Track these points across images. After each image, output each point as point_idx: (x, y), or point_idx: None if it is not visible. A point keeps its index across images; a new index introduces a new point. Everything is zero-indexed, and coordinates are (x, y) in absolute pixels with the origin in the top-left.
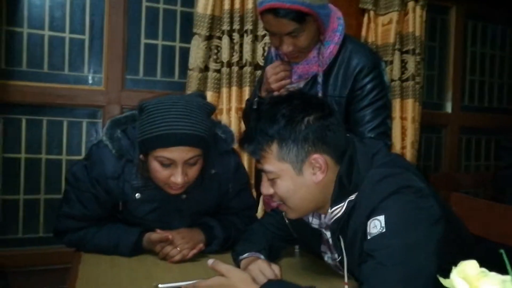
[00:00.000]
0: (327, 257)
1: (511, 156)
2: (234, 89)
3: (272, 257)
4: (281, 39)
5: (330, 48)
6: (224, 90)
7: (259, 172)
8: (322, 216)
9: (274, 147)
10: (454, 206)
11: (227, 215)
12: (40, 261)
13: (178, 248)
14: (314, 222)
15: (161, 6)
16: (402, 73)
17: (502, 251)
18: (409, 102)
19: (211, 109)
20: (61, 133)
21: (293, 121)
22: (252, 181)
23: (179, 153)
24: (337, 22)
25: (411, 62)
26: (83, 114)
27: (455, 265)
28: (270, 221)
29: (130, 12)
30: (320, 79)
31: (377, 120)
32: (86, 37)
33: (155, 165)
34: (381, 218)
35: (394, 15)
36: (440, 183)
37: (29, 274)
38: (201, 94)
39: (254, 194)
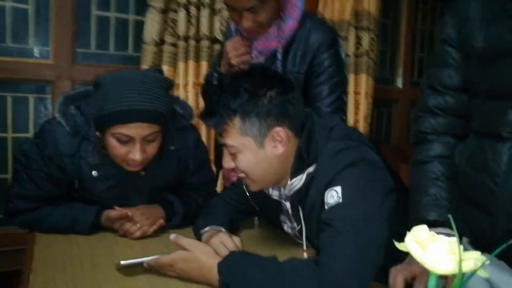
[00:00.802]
0: (286, 227)
1: None
2: (191, 63)
3: (232, 230)
4: (241, 14)
5: (290, 24)
6: (181, 65)
7: (218, 147)
8: (282, 188)
9: (237, 121)
10: (404, 177)
11: (187, 191)
12: None
13: (138, 225)
14: (274, 193)
15: None
16: (357, 48)
17: (449, 216)
18: (363, 77)
19: (169, 84)
20: (5, 109)
21: (256, 95)
22: (212, 157)
23: (137, 130)
24: None
25: (366, 39)
26: (29, 89)
27: (405, 231)
28: (229, 195)
29: None
30: (279, 55)
31: (333, 95)
32: (30, 6)
33: (112, 142)
34: (338, 188)
35: None
36: (390, 156)
37: None
38: (158, 69)
39: (214, 169)
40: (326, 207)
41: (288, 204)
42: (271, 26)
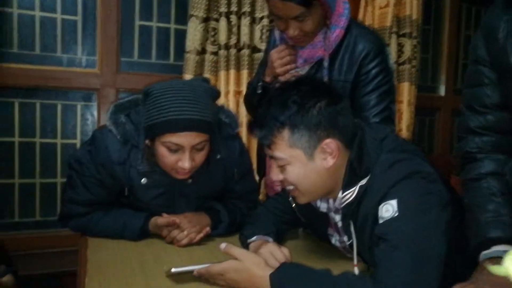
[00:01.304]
0: (334, 240)
1: None
2: (232, 72)
3: (278, 240)
4: (287, 23)
5: (336, 32)
6: (222, 73)
7: (260, 156)
8: (330, 200)
9: (286, 133)
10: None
11: (231, 199)
12: (37, 245)
13: (185, 232)
14: (322, 206)
15: None
16: (399, 56)
17: None
18: (405, 86)
19: (216, 94)
20: (55, 117)
21: (304, 106)
22: (254, 165)
23: (187, 139)
24: (343, 6)
25: (408, 46)
26: (77, 97)
27: (463, 247)
28: (275, 205)
29: None
30: (326, 64)
31: (381, 105)
32: (78, 18)
33: (162, 151)
34: (394, 202)
35: None
36: (434, 165)
37: (26, 257)
38: (205, 79)
39: (256, 178)
40: (380, 221)
41: (337, 217)
42: (317, 35)
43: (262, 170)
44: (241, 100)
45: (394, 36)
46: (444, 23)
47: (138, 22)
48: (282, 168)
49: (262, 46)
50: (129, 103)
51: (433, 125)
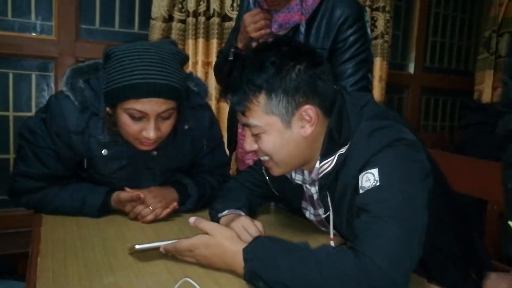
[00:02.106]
0: (308, 214)
1: (472, 116)
2: (200, 41)
3: (251, 215)
4: None
5: None
6: (190, 42)
7: (231, 129)
8: (305, 171)
9: (262, 98)
10: None
11: (200, 173)
12: None
13: (150, 207)
14: (297, 178)
15: None
16: (371, 30)
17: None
18: (377, 61)
19: (185, 58)
20: (7, 87)
21: (283, 69)
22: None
23: (152, 106)
24: None
25: (381, 20)
26: (32, 66)
27: (442, 218)
28: (247, 178)
29: None
30: (302, 29)
31: (359, 74)
32: None
33: (124, 118)
34: (375, 171)
35: None
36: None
37: None
38: (173, 42)
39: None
40: (361, 191)
41: (313, 189)
42: None
43: (233, 143)
44: (210, 71)
45: (367, 10)
46: (416, 0)
47: None
48: (256, 137)
49: (233, 15)
50: (88, 67)
51: (402, 103)
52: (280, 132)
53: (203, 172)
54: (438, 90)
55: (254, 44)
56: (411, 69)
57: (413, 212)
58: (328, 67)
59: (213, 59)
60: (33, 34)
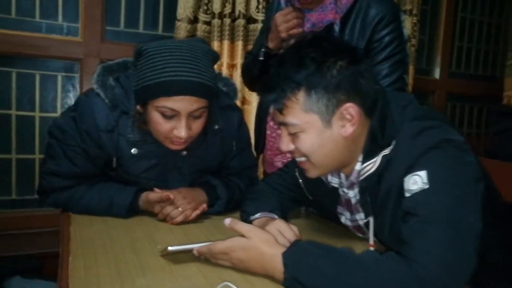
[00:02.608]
0: (344, 219)
1: (504, 122)
2: (225, 43)
3: (283, 218)
4: None
5: None
6: (215, 44)
7: (259, 130)
8: (342, 174)
9: (301, 95)
10: None
11: (228, 175)
12: (14, 225)
13: (180, 209)
14: (334, 181)
15: None
16: None
17: None
18: None
19: (216, 56)
20: (33, 87)
21: (324, 65)
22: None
23: (184, 104)
24: None
25: (408, 23)
26: (57, 67)
27: (488, 225)
28: (277, 181)
29: None
30: (337, 28)
31: (394, 75)
32: None
33: (155, 117)
34: (423, 173)
35: None
36: None
37: (2, 238)
38: (204, 40)
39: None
40: (407, 194)
41: (351, 193)
42: None
43: (261, 145)
44: (235, 73)
45: None
46: (442, 3)
47: None
48: (293, 137)
49: (259, 17)
50: (118, 65)
51: None
52: (319, 131)
53: (231, 174)
54: (464, 96)
55: (285, 45)
56: (437, 74)
57: (466, 216)
58: (370, 65)
59: (238, 61)
60: (60, 35)
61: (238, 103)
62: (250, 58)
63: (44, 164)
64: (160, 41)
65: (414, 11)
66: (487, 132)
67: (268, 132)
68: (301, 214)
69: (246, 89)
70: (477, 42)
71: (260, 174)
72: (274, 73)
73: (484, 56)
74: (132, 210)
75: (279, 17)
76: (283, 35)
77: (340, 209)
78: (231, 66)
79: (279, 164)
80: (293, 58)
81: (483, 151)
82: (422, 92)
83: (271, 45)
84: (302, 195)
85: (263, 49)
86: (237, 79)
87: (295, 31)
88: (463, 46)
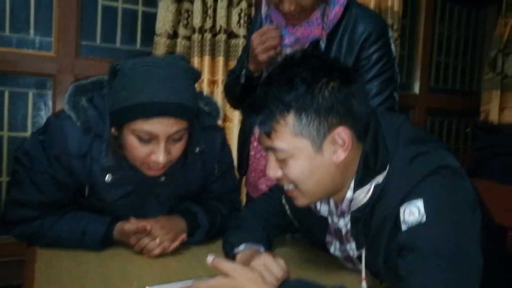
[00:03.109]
0: (333, 249)
1: (486, 137)
2: (206, 58)
3: (268, 249)
4: None
5: (335, 10)
6: (196, 60)
7: (242, 151)
8: (331, 201)
9: (291, 118)
10: None
11: (209, 200)
12: None
13: (157, 240)
14: (323, 209)
15: None
16: None
17: None
18: None
19: (197, 75)
20: (2, 105)
21: (315, 86)
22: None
23: (162, 126)
24: None
25: None
26: (29, 83)
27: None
28: (262, 207)
29: None
30: (323, 44)
31: (385, 93)
32: None
33: (131, 141)
34: (419, 203)
35: None
36: None
37: None
38: (184, 57)
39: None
40: (404, 227)
41: (341, 222)
42: (314, 11)
43: (244, 166)
44: (216, 90)
45: None
46: (420, 19)
47: (101, 2)
48: (282, 163)
49: (240, 32)
50: (92, 84)
51: None
52: (309, 157)
53: (212, 198)
54: (444, 111)
55: (265, 67)
56: (416, 89)
57: (467, 250)
58: (363, 85)
59: (219, 77)
60: (31, 50)
61: (219, 121)
62: (232, 77)
63: (9, 192)
64: (136, 58)
65: (395, 26)
66: (466, 148)
67: (252, 152)
68: (287, 241)
69: (228, 106)
70: (454, 57)
71: (243, 195)
72: (261, 93)
73: (462, 71)
74: (106, 242)
75: (255, 38)
76: (261, 57)
77: (329, 238)
78: (212, 83)
79: (263, 187)
80: (282, 77)
81: (465, 168)
82: (402, 107)
83: (251, 67)
84: (288, 222)
85: (243, 72)
86: (218, 96)
87: (272, 52)
88: (441, 61)
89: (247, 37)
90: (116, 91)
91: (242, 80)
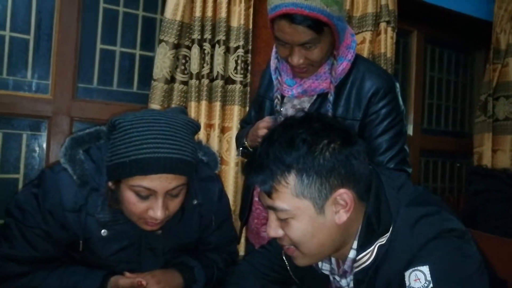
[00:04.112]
0: None
1: (482, 182)
2: (203, 103)
3: None
4: (292, 49)
5: (343, 65)
6: (193, 104)
7: (246, 196)
8: (333, 259)
9: (292, 179)
10: None
11: (206, 252)
12: None
13: None
14: (324, 267)
15: (121, 9)
16: None
17: None
18: None
19: (197, 128)
20: None
21: (316, 147)
22: (235, 208)
23: (161, 182)
24: (350, 38)
25: None
26: (23, 125)
27: None
28: (261, 261)
29: (85, 12)
30: (331, 98)
31: (396, 147)
32: (31, 37)
33: (129, 196)
34: (425, 269)
35: (368, 35)
36: None
37: None
38: (183, 110)
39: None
40: None
41: (344, 282)
42: (322, 66)
43: (246, 213)
44: (213, 133)
45: None
46: (411, 63)
47: (100, 46)
48: (283, 223)
49: (237, 78)
50: (88, 136)
51: None
52: (311, 219)
53: (209, 251)
54: (437, 152)
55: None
56: (410, 131)
57: None
58: (364, 146)
59: (216, 121)
60: (28, 92)
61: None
62: (243, 126)
63: None
64: (136, 113)
65: (390, 70)
66: (460, 188)
67: (255, 198)
68: None
69: (224, 149)
70: (446, 100)
71: (245, 242)
72: (262, 152)
73: (453, 112)
74: None
75: (261, 123)
76: (260, 140)
77: None
78: (209, 126)
79: (265, 235)
80: (283, 138)
81: (462, 212)
82: None
83: (248, 143)
84: (288, 278)
85: (240, 148)
86: (215, 139)
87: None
88: (433, 103)
89: (257, 90)
90: (115, 145)
91: (239, 154)
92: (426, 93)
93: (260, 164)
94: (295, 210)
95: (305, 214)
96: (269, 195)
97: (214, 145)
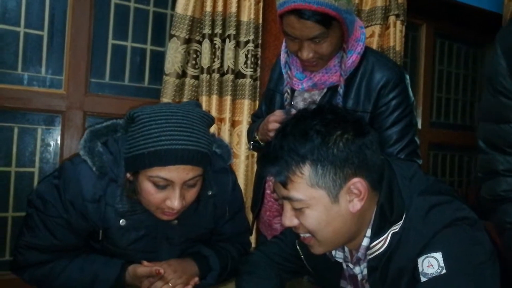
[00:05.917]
0: None
1: None
2: (214, 97)
3: None
4: (302, 44)
5: (353, 58)
6: (203, 99)
7: (258, 188)
8: (346, 248)
9: (307, 169)
10: None
11: (220, 242)
12: None
13: (170, 284)
14: (338, 255)
15: (132, 4)
16: None
17: None
18: None
19: (212, 121)
20: (11, 141)
21: (330, 138)
22: (248, 200)
23: (179, 173)
24: (360, 31)
25: None
26: (38, 119)
27: None
28: (275, 251)
29: (97, 8)
30: (341, 90)
31: (406, 138)
32: (44, 33)
33: (147, 187)
34: (438, 255)
35: (377, 28)
36: None
37: None
38: (198, 104)
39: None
40: (423, 278)
41: (357, 269)
42: (332, 59)
43: (258, 205)
44: (223, 127)
45: None
46: (420, 57)
47: (111, 41)
48: (298, 212)
49: (247, 72)
50: (106, 129)
51: None
52: (326, 207)
53: (223, 241)
54: (445, 145)
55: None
56: (419, 124)
57: None
58: (376, 136)
59: (227, 115)
60: (42, 88)
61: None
62: (254, 120)
63: (21, 236)
64: (153, 106)
65: (398, 63)
66: (469, 186)
67: (268, 191)
68: (304, 284)
69: (235, 143)
70: (454, 94)
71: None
72: (276, 145)
73: (462, 106)
74: (118, 286)
75: (271, 117)
76: (271, 134)
77: (343, 283)
78: (220, 120)
79: (278, 226)
80: (297, 130)
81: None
82: None
83: (259, 137)
84: (302, 267)
85: (252, 142)
86: (225, 133)
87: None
88: (442, 96)
89: (267, 84)
90: (134, 137)
91: (251, 148)
92: (435, 87)
93: (275, 156)
94: (310, 199)
95: (320, 204)
96: (284, 185)
97: (225, 138)
